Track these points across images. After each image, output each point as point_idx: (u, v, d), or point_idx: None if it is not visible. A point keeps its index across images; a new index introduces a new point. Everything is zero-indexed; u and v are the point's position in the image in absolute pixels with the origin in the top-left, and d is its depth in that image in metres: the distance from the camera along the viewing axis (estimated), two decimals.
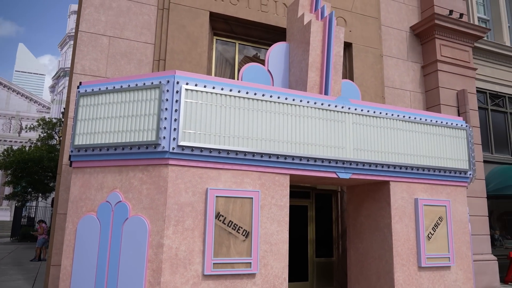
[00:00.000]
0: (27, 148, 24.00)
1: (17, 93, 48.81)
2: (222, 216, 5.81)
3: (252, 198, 6.01)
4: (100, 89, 6.14)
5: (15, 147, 24.92)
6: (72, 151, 6.18)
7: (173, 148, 5.64)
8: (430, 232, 7.31)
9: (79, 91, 6.32)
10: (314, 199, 9.80)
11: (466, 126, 8.08)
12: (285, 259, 6.13)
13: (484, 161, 11.63)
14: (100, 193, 6.01)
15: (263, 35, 9.83)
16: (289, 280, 9.13)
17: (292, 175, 6.48)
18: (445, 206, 7.55)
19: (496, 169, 11.91)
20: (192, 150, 5.72)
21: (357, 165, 6.82)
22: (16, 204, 25.99)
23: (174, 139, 5.66)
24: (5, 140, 41.47)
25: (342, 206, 9.90)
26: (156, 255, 5.49)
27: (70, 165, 6.36)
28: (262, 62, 9.05)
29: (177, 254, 5.52)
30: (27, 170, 21.20)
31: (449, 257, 7.38)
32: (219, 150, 5.86)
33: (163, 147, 5.64)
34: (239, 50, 10.09)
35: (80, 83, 6.36)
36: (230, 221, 5.84)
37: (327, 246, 9.80)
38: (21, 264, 13.42)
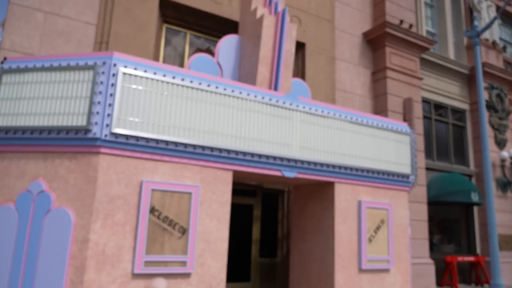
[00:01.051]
0: None
1: None
2: (157, 211, 5.41)
3: (191, 193, 5.66)
4: (27, 66, 5.54)
5: None
6: None
7: (106, 135, 5.18)
8: (371, 234, 7.31)
9: (2, 67, 5.67)
10: (261, 198, 9.59)
11: (410, 131, 8.22)
12: (224, 259, 5.83)
13: (426, 168, 12.01)
14: (21, 181, 5.40)
15: (216, 27, 9.52)
16: (231, 280, 8.84)
17: (235, 171, 6.21)
18: (387, 209, 7.60)
19: (437, 176, 12.34)
20: (127, 139, 5.29)
21: (302, 164, 6.67)
22: None
23: (107, 125, 5.20)
24: None
25: (288, 206, 9.77)
26: (80, 251, 4.99)
27: None
28: (214, 55, 8.73)
29: (105, 250, 5.05)
30: None
31: (388, 260, 7.42)
32: (157, 140, 5.47)
33: (95, 134, 5.16)
34: (190, 42, 9.70)
35: (5, 58, 5.71)
36: (166, 216, 5.45)
37: (271, 246, 9.62)
38: None
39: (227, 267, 8.95)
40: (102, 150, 5.20)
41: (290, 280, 7.95)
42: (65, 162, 5.31)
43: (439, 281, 11.56)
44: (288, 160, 6.52)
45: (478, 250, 13.18)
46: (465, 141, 13.84)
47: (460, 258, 11.64)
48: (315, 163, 6.78)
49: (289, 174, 6.58)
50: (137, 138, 5.34)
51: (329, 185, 7.25)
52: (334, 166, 6.99)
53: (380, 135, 7.70)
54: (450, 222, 13.23)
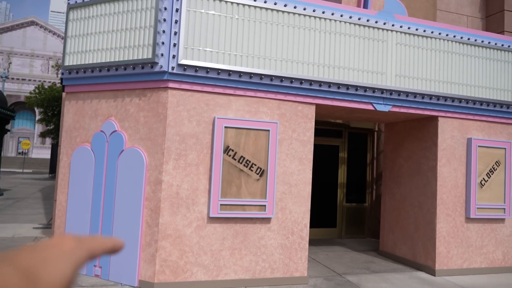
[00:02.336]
0: (57, 85, 23.88)
1: (53, 34, 48.77)
2: (232, 150, 4.90)
3: (269, 130, 5.03)
4: None
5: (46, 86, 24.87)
6: (63, 74, 5.35)
7: (173, 68, 4.67)
8: (483, 178, 6.14)
9: (69, 3, 5.37)
10: (347, 138, 8.71)
11: None
12: (307, 203, 5.24)
13: None
14: (95, 122, 5.23)
15: None
16: (315, 226, 8.34)
17: (318, 105, 5.40)
18: (505, 148, 6.28)
19: None
20: (196, 71, 4.73)
21: (399, 95, 5.62)
22: (52, 142, 26.47)
23: (173, 56, 4.67)
24: (44, 81, 42.05)
25: (378, 147, 8.77)
26: (154, 192, 4.73)
27: (63, 90, 5.58)
28: None
29: (179, 192, 4.73)
30: (58, 108, 21.10)
31: (504, 208, 6.24)
32: (229, 72, 4.83)
33: (161, 67, 4.68)
34: None
35: None
36: (242, 156, 4.93)
37: (359, 191, 8.84)
38: (49, 199, 13.47)
39: (311, 212, 8.42)
40: (170, 84, 4.73)
41: (382, 227, 7.20)
42: (134, 100, 4.96)
43: None
44: (382, 90, 5.51)
45: None
46: None
47: None
48: (414, 94, 5.67)
49: (383, 107, 5.59)
50: (207, 69, 4.75)
51: (431, 121, 6.13)
52: (437, 97, 5.82)
53: (497, 57, 6.22)
54: None
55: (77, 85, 5.35)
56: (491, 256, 6.21)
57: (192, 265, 4.74)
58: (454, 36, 5.94)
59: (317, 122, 8.14)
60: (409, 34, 5.68)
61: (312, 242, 7.86)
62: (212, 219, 4.83)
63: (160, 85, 4.77)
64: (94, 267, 4.99)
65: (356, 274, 5.73)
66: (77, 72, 5.22)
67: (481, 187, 6.12)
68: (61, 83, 5.50)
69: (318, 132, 8.36)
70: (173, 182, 4.72)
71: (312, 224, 8.34)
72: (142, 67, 4.77)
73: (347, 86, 5.32)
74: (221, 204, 4.81)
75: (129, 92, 5.00)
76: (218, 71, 4.79)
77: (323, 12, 5.24)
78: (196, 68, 4.71)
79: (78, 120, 5.37)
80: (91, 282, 4.76)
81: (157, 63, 4.67)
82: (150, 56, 4.68)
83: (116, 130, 5.01)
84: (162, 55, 4.67)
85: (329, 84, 5.23)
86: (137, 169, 4.82)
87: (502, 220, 6.30)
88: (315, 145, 8.56)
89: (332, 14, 5.28)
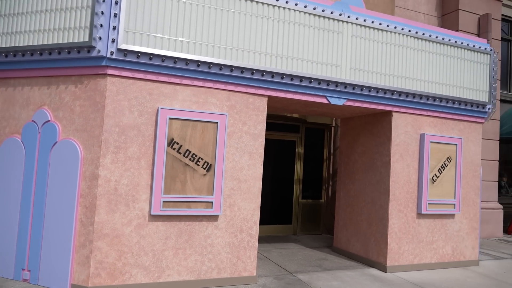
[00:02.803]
0: None
1: None
2: (177, 143, 4.58)
3: (217, 122, 4.75)
4: None
5: None
6: None
7: (112, 53, 4.29)
8: (435, 174, 6.15)
9: None
10: (304, 133, 8.57)
11: (491, 50, 6.64)
12: (257, 199, 5.01)
13: (501, 100, 10.27)
14: (26, 111, 4.75)
15: None
16: (270, 223, 8.17)
17: (271, 97, 5.18)
18: (456, 144, 6.32)
19: None
20: (138, 57, 4.37)
21: (353, 88, 5.48)
22: None
23: (113, 40, 4.28)
24: None
25: (335, 142, 8.70)
26: (89, 188, 4.33)
27: None
28: None
29: (117, 188, 4.36)
30: None
31: (454, 204, 6.29)
32: (175, 59, 4.50)
33: (99, 51, 4.28)
34: None
35: None
36: (188, 150, 4.62)
37: (315, 187, 8.73)
38: None
39: (266, 209, 8.24)
40: (110, 71, 4.34)
41: (336, 223, 7.10)
42: (70, 88, 4.53)
43: (506, 228, 10.28)
44: (336, 84, 5.36)
45: None
46: None
47: None
48: (369, 88, 5.56)
49: (337, 101, 5.45)
50: (150, 56, 4.40)
51: (386, 116, 6.06)
52: (392, 92, 5.74)
53: (451, 53, 6.23)
54: None
55: (6, 70, 4.84)
56: (441, 251, 6.24)
57: (131, 267, 4.40)
58: (410, 31, 5.88)
59: (273, 117, 7.96)
60: (365, 26, 5.56)
61: (266, 239, 7.68)
62: (154, 217, 4.50)
63: (98, 71, 4.37)
64: (23, 270, 4.54)
65: (307, 272, 5.57)
66: (6, 55, 4.71)
67: (433, 183, 6.12)
68: None
69: (274, 127, 8.18)
70: (111, 177, 4.34)
71: (267, 221, 8.16)
72: (78, 52, 4.34)
73: (301, 78, 5.12)
74: (164, 201, 4.48)
75: (64, 79, 4.57)
76: (163, 58, 4.45)
77: (276, 0, 5.00)
78: (138, 54, 4.35)
79: (7, 109, 4.87)
80: (17, 287, 4.32)
81: (95, 47, 4.26)
82: (86, 39, 4.27)
83: (49, 120, 4.56)
84: (100, 38, 4.27)
85: (282, 75, 5.01)
86: (71, 163, 4.40)
87: (452, 216, 6.34)
88: (271, 140, 8.39)
89: (287, 2, 5.05)
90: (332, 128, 8.73)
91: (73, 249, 4.33)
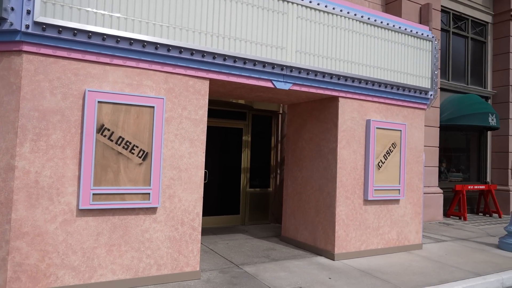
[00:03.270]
0: None
1: None
2: (109, 130, 4.14)
3: (153, 107, 4.35)
4: None
5: None
6: None
7: (28, 26, 3.75)
8: (381, 160, 6.14)
9: None
10: (251, 121, 8.32)
11: (433, 37, 6.72)
12: (199, 190, 4.69)
13: (440, 88, 10.62)
14: None
15: None
16: (216, 213, 7.89)
17: (213, 80, 4.85)
18: (401, 130, 6.36)
19: (452, 97, 10.99)
20: (59, 32, 3.86)
21: (299, 72, 5.29)
22: None
23: (28, 12, 3.74)
24: None
25: (283, 130, 8.54)
26: (5, 182, 3.80)
27: None
28: None
29: (38, 181, 3.86)
30: None
31: (399, 189, 6.34)
32: (103, 36, 4.04)
33: (11, 24, 3.72)
34: None
35: None
36: (120, 137, 4.20)
37: (263, 175, 8.55)
38: None
39: (212, 199, 7.95)
40: (25, 47, 3.80)
41: (284, 212, 6.96)
42: None
43: (445, 211, 10.73)
44: (282, 67, 5.13)
45: (488, 179, 12.24)
46: (484, 58, 12.28)
47: (470, 187, 10.69)
48: (315, 72, 5.40)
49: (283, 85, 5.23)
50: (74, 31, 3.90)
51: (332, 101, 5.94)
52: (338, 77, 5.62)
53: (395, 39, 6.22)
54: (459, 149, 12.14)
55: None
56: (387, 236, 6.28)
57: (57, 268, 3.93)
58: (355, 15, 5.77)
59: (219, 103, 7.62)
60: (311, 8, 5.36)
61: (213, 231, 7.39)
62: (83, 212, 4.05)
63: (12, 47, 3.81)
64: None
65: (254, 263, 5.36)
66: None
67: (379, 169, 6.12)
68: None
69: (220, 114, 7.86)
70: (30, 168, 3.83)
71: (213, 212, 7.87)
72: None
73: (244, 61, 4.83)
74: (94, 194, 4.04)
75: None
76: (89, 34, 3.97)
77: None
78: (59, 28, 3.84)
79: None
80: None
81: (6, 19, 3.70)
82: None
83: None
84: (12, 9, 3.71)
85: (224, 57, 4.69)
86: None
87: (397, 201, 6.40)
88: (217, 128, 8.07)
89: None
90: (280, 115, 8.56)
91: None
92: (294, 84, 5.33)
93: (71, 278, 3.99)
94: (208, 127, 7.73)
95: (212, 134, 7.84)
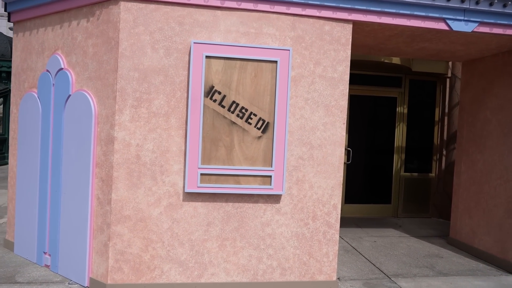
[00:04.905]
0: None
1: None
2: (219, 93, 3.24)
3: (276, 62, 3.28)
4: None
5: None
6: None
7: None
8: None
9: None
10: (408, 88, 6.61)
11: None
12: (337, 173, 3.48)
13: None
14: (42, 59, 3.82)
15: None
16: (362, 201, 6.57)
17: (357, 23, 3.51)
18: None
19: None
20: None
21: (491, 4, 3.53)
22: None
23: None
24: None
25: (452, 99, 6.60)
26: (105, 155, 3.24)
27: (9, 20, 4.20)
28: None
29: (140, 155, 3.20)
30: None
31: None
32: None
33: None
34: None
35: None
36: (234, 102, 3.25)
37: (423, 157, 6.79)
38: None
39: (357, 184, 6.60)
40: None
41: (454, 207, 5.22)
42: (82, 23, 3.43)
43: None
44: None
45: None
46: None
47: None
48: None
49: (463, 26, 3.56)
50: None
51: None
52: None
53: None
54: None
55: (23, 10, 3.94)
56: None
57: (162, 261, 3.26)
58: None
59: (364, 65, 6.13)
60: None
61: (357, 222, 6.10)
62: (191, 196, 3.27)
63: None
64: (44, 254, 3.71)
65: (413, 277, 3.94)
66: None
67: None
68: (5, 9, 4.11)
69: (366, 80, 6.41)
70: (131, 140, 3.19)
71: (358, 199, 6.56)
72: None
73: None
74: (202, 174, 3.21)
75: (76, 12, 3.47)
76: None
77: None
78: None
79: (25, 59, 4.00)
80: (33, 276, 3.48)
81: None
82: None
83: (62, 68, 3.55)
84: None
85: None
86: (85, 121, 3.35)
87: None
88: (364, 97, 6.63)
89: None
90: (448, 79, 6.62)
91: (90, 234, 3.33)
92: (481, 23, 3.60)
93: (177, 274, 3.28)
94: (351, 96, 6.37)
95: (357, 104, 6.46)
